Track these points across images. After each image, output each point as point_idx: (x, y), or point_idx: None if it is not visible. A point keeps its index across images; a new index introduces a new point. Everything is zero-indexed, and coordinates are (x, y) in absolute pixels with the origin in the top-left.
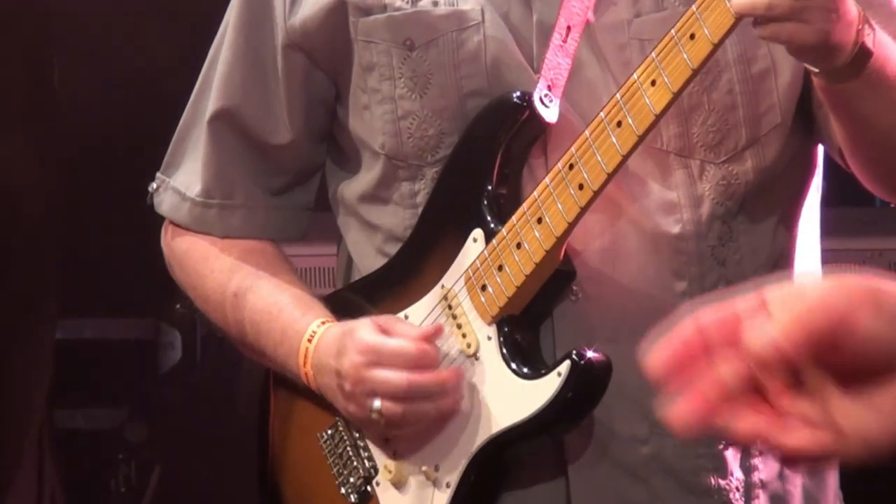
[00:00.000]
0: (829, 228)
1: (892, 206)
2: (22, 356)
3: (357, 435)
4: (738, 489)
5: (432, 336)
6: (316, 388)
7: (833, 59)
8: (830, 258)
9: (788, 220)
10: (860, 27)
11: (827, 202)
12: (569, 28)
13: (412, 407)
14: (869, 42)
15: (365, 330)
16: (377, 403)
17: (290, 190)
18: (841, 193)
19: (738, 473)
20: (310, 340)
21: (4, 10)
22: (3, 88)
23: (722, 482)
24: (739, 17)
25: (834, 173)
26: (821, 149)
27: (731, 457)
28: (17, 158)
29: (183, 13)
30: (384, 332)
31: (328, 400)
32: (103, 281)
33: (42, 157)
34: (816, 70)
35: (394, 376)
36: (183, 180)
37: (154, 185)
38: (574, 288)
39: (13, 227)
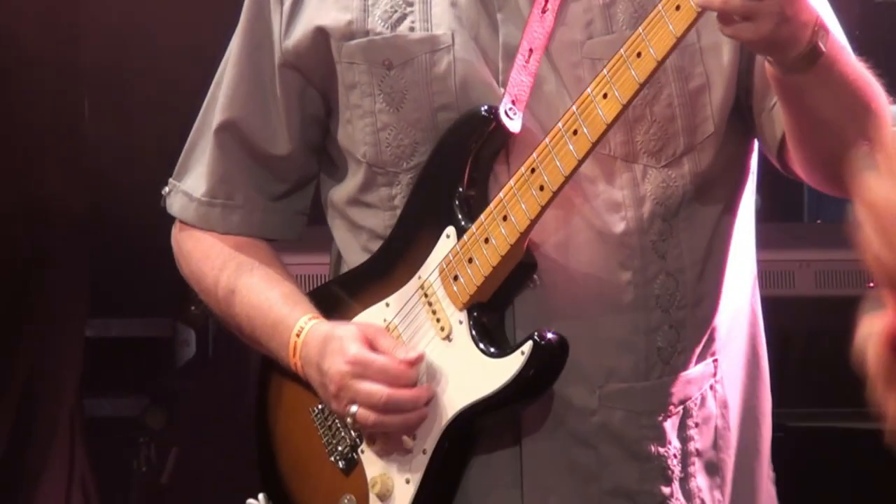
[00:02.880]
0: (763, 241)
1: (818, 221)
2: (56, 352)
3: None
4: (675, 456)
5: (415, 361)
6: (303, 375)
7: (786, 55)
8: (764, 267)
9: (723, 219)
10: (815, 28)
11: (762, 218)
12: (531, 50)
13: (384, 418)
14: (822, 42)
15: (352, 340)
16: (354, 409)
17: (287, 196)
18: (774, 210)
19: (675, 442)
20: (298, 335)
21: (40, 53)
22: (40, 117)
23: (661, 450)
24: (702, 12)
25: (768, 192)
26: (754, 159)
27: (670, 427)
28: (51, 178)
29: (198, 45)
30: (371, 344)
31: (313, 387)
32: (126, 286)
33: (72, 178)
34: (772, 60)
35: (376, 389)
36: (191, 184)
37: (166, 188)
38: (534, 277)
39: (48, 239)
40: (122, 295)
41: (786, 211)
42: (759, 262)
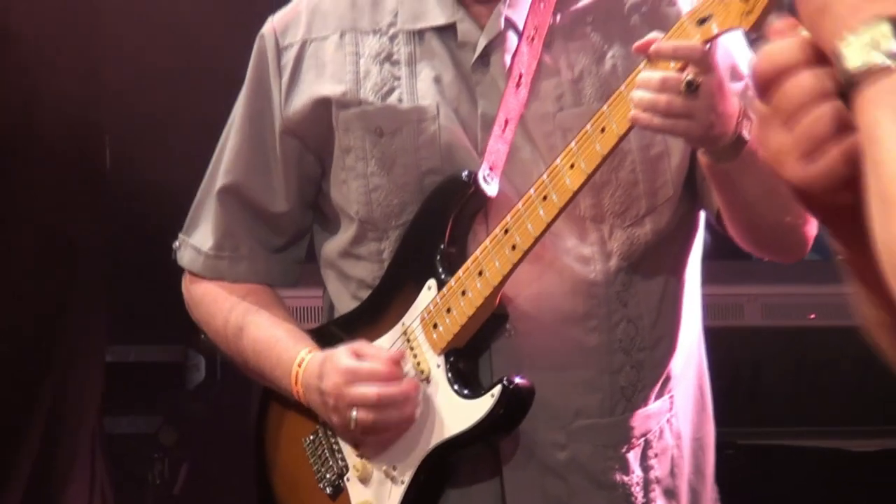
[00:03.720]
0: (715, 276)
1: (764, 259)
2: (80, 377)
3: (333, 440)
4: (638, 484)
5: (397, 358)
6: (305, 402)
7: (716, 145)
8: (716, 300)
9: (676, 269)
10: (739, 120)
11: (714, 255)
12: (507, 121)
13: (382, 415)
14: (745, 132)
15: (343, 355)
16: (354, 413)
17: (286, 248)
18: (725, 248)
19: (638, 472)
20: (300, 365)
21: (61, 94)
22: (62, 157)
23: (625, 479)
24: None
25: (718, 233)
26: (702, 214)
27: (633, 458)
28: (76, 215)
29: (218, 85)
30: (358, 355)
31: (315, 412)
32: (143, 316)
33: (94, 216)
34: (703, 151)
35: (367, 390)
36: (199, 239)
37: (176, 243)
38: (508, 326)
39: (73, 272)
40: (140, 324)
41: (735, 249)
42: (712, 296)
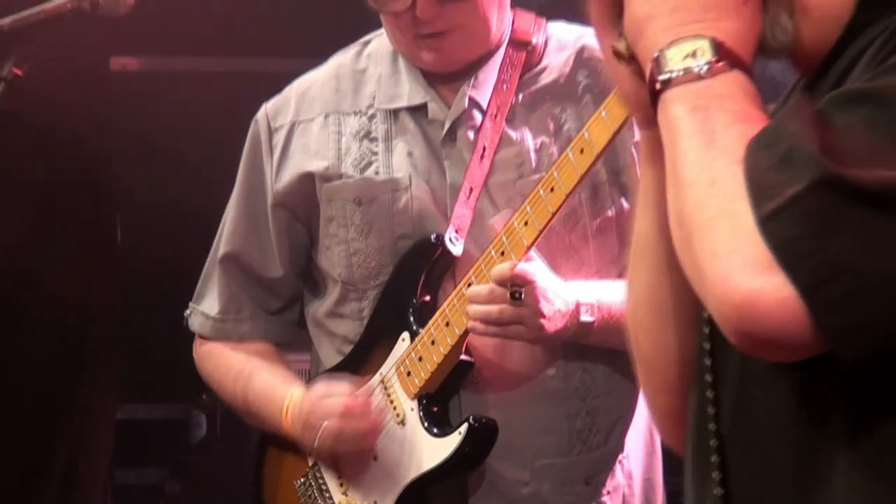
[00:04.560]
0: None
1: None
2: (94, 430)
3: (321, 480)
4: None
5: (367, 391)
6: (293, 432)
7: (556, 341)
8: None
9: None
10: (575, 314)
11: None
12: (471, 188)
13: (347, 424)
14: (587, 318)
15: (319, 384)
16: (325, 423)
17: (283, 310)
18: None
19: None
20: (290, 399)
21: (79, 180)
22: (80, 235)
23: None
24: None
25: None
26: None
27: (588, 495)
28: (89, 286)
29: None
30: (330, 384)
31: (299, 442)
32: (150, 378)
33: (108, 288)
34: None
35: (335, 401)
36: (206, 306)
37: (188, 311)
38: (474, 372)
39: (86, 339)
40: (147, 385)
41: None
42: None
